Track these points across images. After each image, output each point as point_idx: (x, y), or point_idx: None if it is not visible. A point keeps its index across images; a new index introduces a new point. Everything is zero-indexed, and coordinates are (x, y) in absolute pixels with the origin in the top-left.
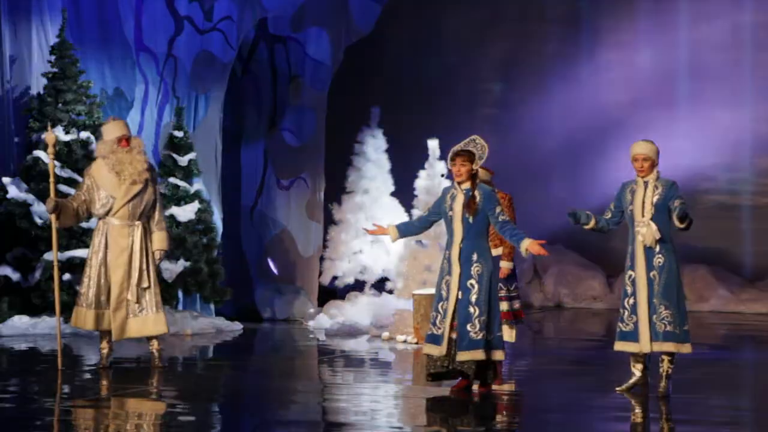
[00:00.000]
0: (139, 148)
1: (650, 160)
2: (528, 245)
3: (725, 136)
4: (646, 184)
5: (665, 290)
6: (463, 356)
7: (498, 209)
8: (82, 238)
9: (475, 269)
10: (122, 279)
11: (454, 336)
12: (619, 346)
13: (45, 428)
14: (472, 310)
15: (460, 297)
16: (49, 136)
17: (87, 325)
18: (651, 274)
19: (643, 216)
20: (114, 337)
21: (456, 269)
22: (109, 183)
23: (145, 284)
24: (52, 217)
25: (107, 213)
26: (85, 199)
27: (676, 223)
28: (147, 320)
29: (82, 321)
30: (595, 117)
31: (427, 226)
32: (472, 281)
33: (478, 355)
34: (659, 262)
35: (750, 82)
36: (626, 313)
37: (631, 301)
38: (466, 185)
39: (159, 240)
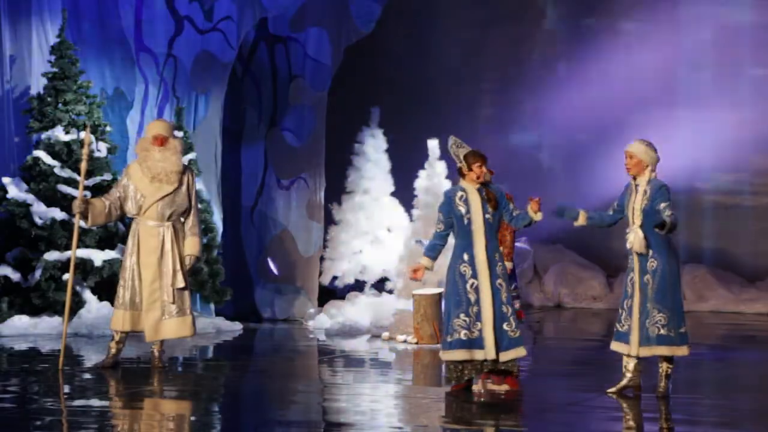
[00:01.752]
0: (175, 149)
1: (635, 158)
2: (530, 207)
3: (725, 136)
4: (637, 188)
5: (658, 294)
6: (506, 355)
7: (511, 205)
8: (80, 238)
9: (499, 268)
10: (153, 279)
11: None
12: (614, 345)
13: (45, 428)
14: (505, 309)
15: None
16: (86, 137)
17: (124, 327)
18: (645, 278)
19: (633, 222)
20: (147, 337)
21: (485, 271)
22: (141, 181)
23: (180, 284)
24: (77, 216)
25: (138, 212)
26: (120, 196)
27: (656, 229)
28: (184, 322)
29: (120, 323)
30: (595, 117)
31: (447, 239)
32: (500, 281)
33: (521, 351)
34: (652, 266)
35: (750, 82)
36: (624, 314)
37: (629, 303)
38: (478, 185)
39: (190, 245)
